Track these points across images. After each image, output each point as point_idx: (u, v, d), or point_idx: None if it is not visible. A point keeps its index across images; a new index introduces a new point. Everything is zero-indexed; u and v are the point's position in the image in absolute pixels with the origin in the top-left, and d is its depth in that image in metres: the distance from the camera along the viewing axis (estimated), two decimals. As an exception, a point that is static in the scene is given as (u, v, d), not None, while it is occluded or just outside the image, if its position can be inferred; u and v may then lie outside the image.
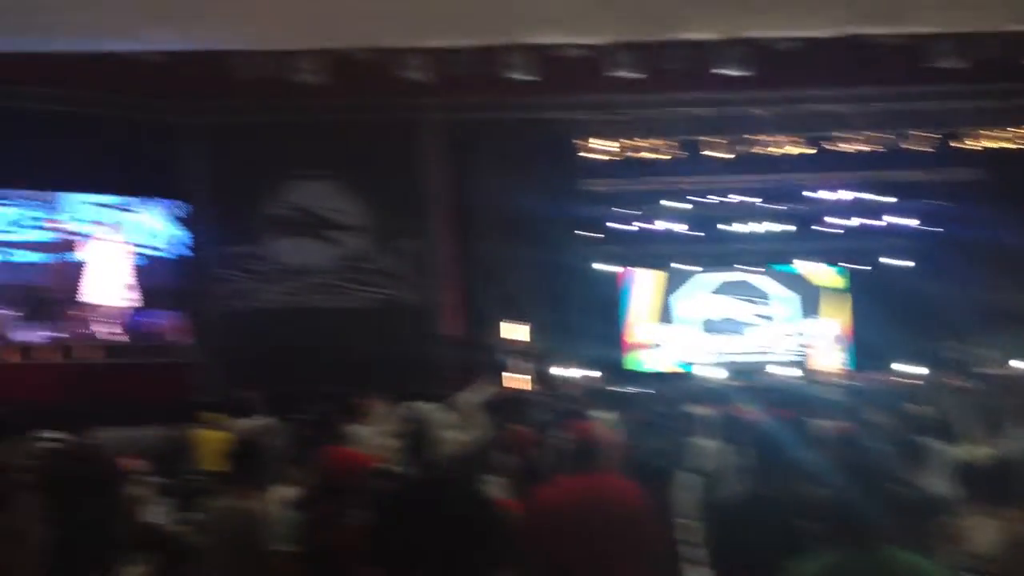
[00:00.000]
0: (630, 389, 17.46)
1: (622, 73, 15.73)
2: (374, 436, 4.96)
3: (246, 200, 19.36)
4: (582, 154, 20.17)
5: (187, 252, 19.52)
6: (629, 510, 4.29)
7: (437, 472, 3.89)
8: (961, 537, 5.19)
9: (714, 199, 24.02)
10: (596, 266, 25.92)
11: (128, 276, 18.79)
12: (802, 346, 22.89)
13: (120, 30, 13.77)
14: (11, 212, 18.08)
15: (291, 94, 17.43)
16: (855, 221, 24.55)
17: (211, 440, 12.17)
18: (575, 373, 21.88)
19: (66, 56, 15.09)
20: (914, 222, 24.40)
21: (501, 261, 20.98)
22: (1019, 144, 18.80)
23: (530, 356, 20.62)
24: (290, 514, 6.83)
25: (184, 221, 19.51)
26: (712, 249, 26.06)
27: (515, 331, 20.65)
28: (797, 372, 23.90)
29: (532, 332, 21.36)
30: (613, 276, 26.39)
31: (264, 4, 13.38)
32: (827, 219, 24.82)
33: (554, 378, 20.50)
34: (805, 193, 23.75)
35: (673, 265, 26.39)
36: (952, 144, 19.61)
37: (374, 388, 13.69)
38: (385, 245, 19.59)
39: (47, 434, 7.53)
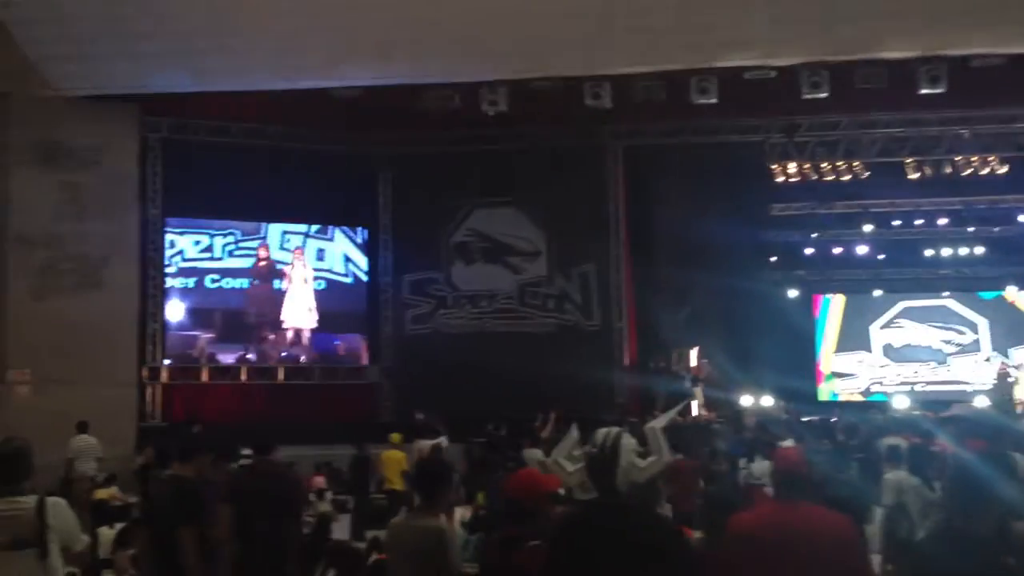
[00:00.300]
0: (819, 418, 16.80)
1: (813, 94, 15.28)
2: (559, 460, 4.88)
3: (430, 227, 19.86)
4: (772, 178, 19.62)
5: (372, 278, 20.20)
6: (840, 543, 4.07)
7: (620, 497, 3.75)
8: None
9: (911, 222, 22.88)
10: (786, 292, 25.12)
11: (316, 301, 19.63)
12: (1004, 376, 21.37)
13: (318, 68, 14.53)
14: (220, 240, 19.28)
15: (476, 124, 17.90)
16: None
17: (393, 460, 12.47)
18: (763, 401, 21.22)
19: (267, 94, 16.05)
20: None
21: (682, 286, 20.64)
22: None
23: (711, 383, 20.14)
24: (467, 534, 6.85)
25: (370, 248, 20.21)
26: (908, 274, 24.79)
27: (695, 358, 20.22)
28: (998, 403, 22.28)
29: (714, 359, 20.88)
30: (804, 302, 25.48)
31: (451, 39, 13.81)
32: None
33: (737, 407, 19.93)
34: (1017, 216, 22.28)
35: (872, 292, 25.25)
36: None
37: (551, 412, 13.76)
38: (564, 270, 19.65)
39: (242, 452, 7.85)
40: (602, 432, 3.85)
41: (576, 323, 19.52)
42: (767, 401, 21.16)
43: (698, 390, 19.39)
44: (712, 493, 7.21)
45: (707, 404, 19.57)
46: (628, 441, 3.82)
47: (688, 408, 18.17)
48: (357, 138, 19.59)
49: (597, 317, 19.47)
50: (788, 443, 10.50)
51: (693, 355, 20.23)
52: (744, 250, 22.36)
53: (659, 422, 5.04)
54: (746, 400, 20.72)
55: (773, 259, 24.45)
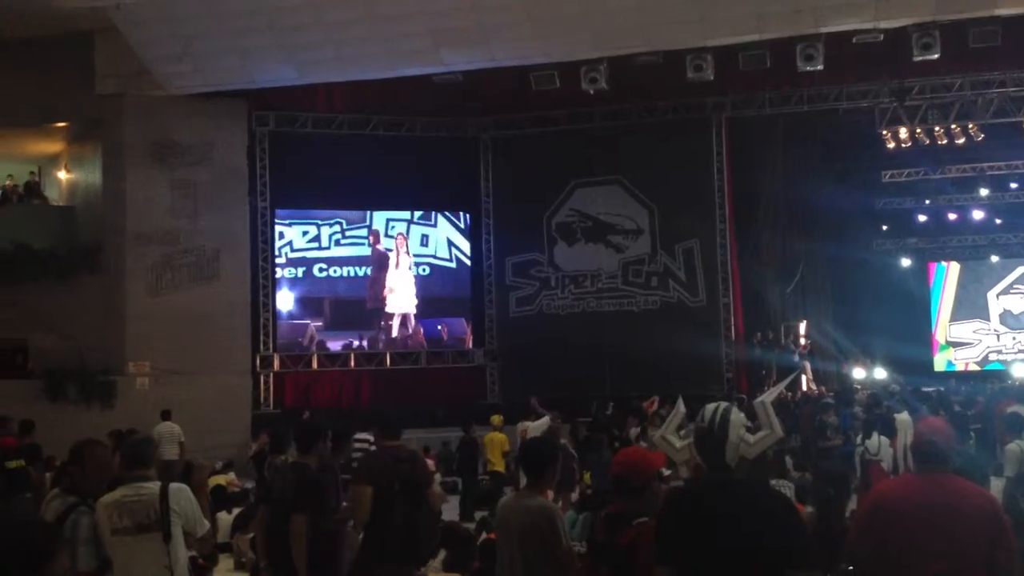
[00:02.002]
0: (932, 389, 16.30)
1: (924, 56, 14.72)
2: (667, 436, 4.82)
3: (532, 209, 19.86)
4: (883, 144, 19.01)
5: (475, 262, 20.33)
6: (984, 515, 3.96)
7: (730, 473, 3.68)
8: None
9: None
10: (899, 260, 24.41)
11: (420, 286, 19.85)
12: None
13: (420, 55, 14.65)
14: (326, 230, 19.64)
15: (577, 103, 17.79)
16: None
17: (495, 442, 12.55)
18: (875, 374, 20.67)
19: (371, 83, 16.28)
20: None
21: (790, 258, 20.21)
22: None
23: (820, 356, 19.71)
24: (574, 513, 6.84)
25: (472, 232, 20.33)
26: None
27: (803, 330, 19.79)
28: None
29: (823, 331, 20.42)
30: (918, 270, 24.72)
31: (550, 19, 13.74)
32: None
33: (847, 379, 19.46)
34: None
35: (992, 258, 24.33)
36: None
37: (655, 390, 13.64)
38: (668, 247, 19.43)
39: (357, 436, 7.96)
40: (710, 407, 3.78)
41: (680, 300, 19.30)
42: (879, 374, 20.64)
43: (807, 363, 19.01)
44: (824, 468, 7.05)
45: (816, 378, 19.16)
46: (737, 416, 3.75)
47: (798, 382, 17.83)
48: (458, 124, 19.76)
49: (702, 293, 19.21)
50: (904, 416, 10.26)
51: (802, 328, 19.83)
52: (854, 219, 21.81)
53: (768, 396, 4.92)
54: (858, 373, 20.23)
55: (885, 227, 23.81)
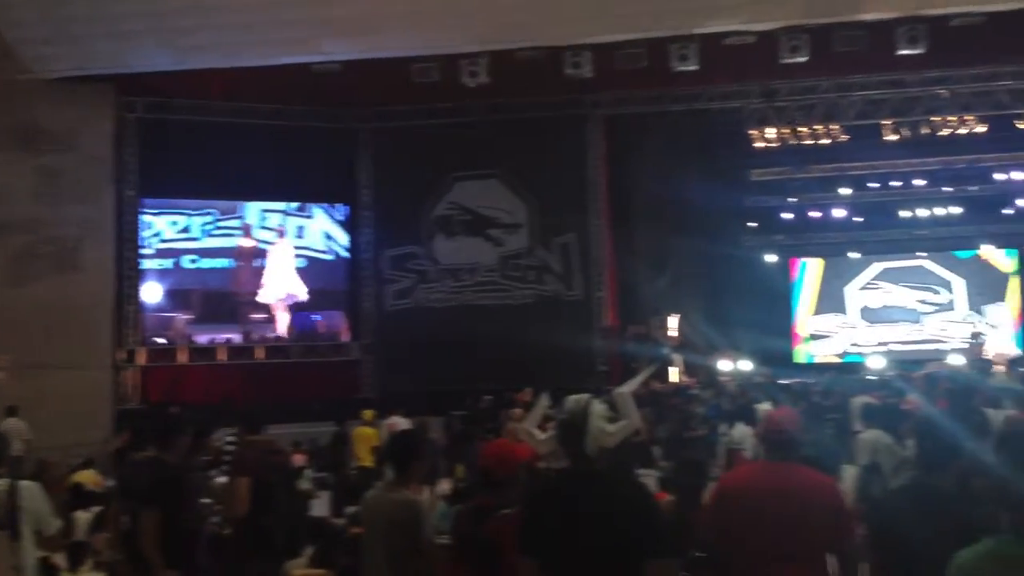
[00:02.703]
0: (794, 381, 16.94)
1: (792, 59, 15.23)
2: (529, 429, 4.89)
3: (412, 202, 19.77)
4: (751, 143, 19.61)
5: (352, 254, 20.12)
6: (827, 503, 4.13)
7: (591, 464, 3.75)
8: None
9: (889, 184, 22.99)
10: (765, 256, 25.23)
11: (296, 278, 19.55)
12: (978, 333, 21.55)
13: (299, 43, 14.41)
14: (197, 220, 19.18)
15: (456, 97, 17.77)
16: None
17: (364, 437, 12.45)
18: (741, 366, 21.31)
19: (247, 71, 15.92)
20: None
21: (662, 254, 20.68)
22: None
23: (690, 348, 20.22)
24: (446, 506, 6.86)
25: (350, 224, 20.12)
26: (885, 235, 24.92)
27: (674, 323, 20.26)
28: (972, 360, 22.35)
29: (693, 324, 20.94)
30: (782, 266, 25.61)
31: (431, 11, 13.70)
32: (1010, 201, 23.37)
33: (715, 371, 20.03)
34: (993, 175, 22.40)
35: (847, 255, 25.40)
36: None
37: (531, 383, 13.76)
38: (545, 241, 19.63)
39: (225, 432, 7.81)
40: (572, 399, 3.84)
41: (556, 293, 19.52)
42: (745, 366, 21.30)
43: (677, 356, 19.48)
44: (684, 457, 7.26)
45: (687, 370, 19.65)
46: (597, 407, 3.82)
47: (666, 374, 18.25)
48: (336, 114, 19.47)
49: (578, 287, 19.48)
50: (765, 406, 10.65)
51: (673, 321, 20.29)
52: (723, 216, 22.40)
53: (627, 387, 5.04)
54: (725, 365, 20.82)
55: (752, 224, 24.54)
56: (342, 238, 20.16)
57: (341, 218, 20.21)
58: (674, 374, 19.01)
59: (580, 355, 18.19)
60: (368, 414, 12.83)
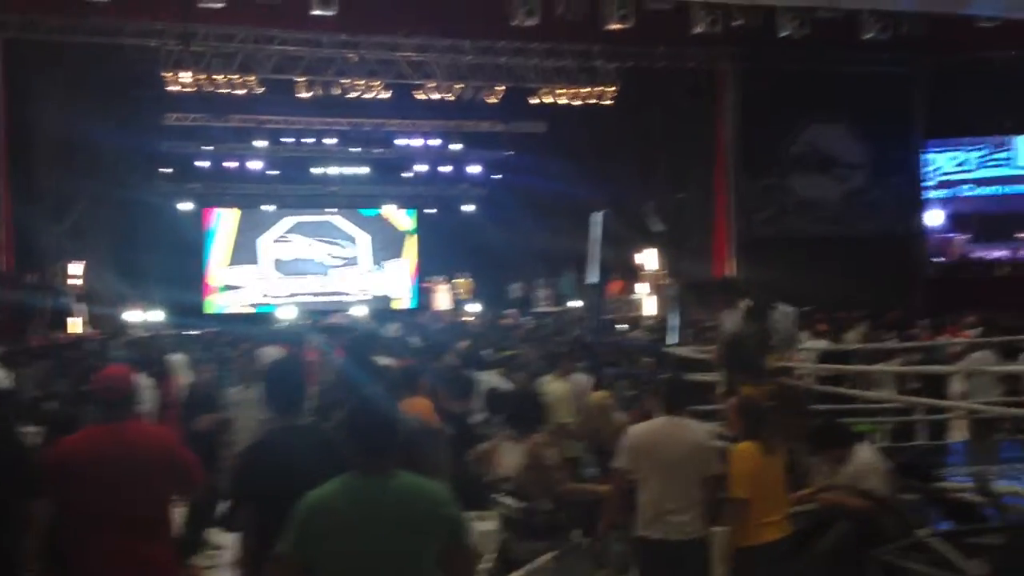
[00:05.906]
0: (200, 331, 17.09)
1: (209, 4, 15.03)
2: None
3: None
4: (166, 86, 18.99)
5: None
6: (160, 454, 4.31)
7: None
8: (491, 460, 5.73)
9: (302, 140, 23.97)
10: (179, 205, 24.84)
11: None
12: (380, 288, 23.63)
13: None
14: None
15: None
16: (435, 167, 25.73)
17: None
18: (151, 316, 20.83)
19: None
20: (480, 169, 26.10)
21: (66, 196, 19.19)
22: (578, 101, 20.38)
23: (95, 298, 19.29)
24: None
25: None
26: (298, 190, 26.01)
27: (78, 271, 19.08)
28: (375, 311, 24.28)
29: (100, 273, 19.94)
30: (195, 215, 25.42)
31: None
32: (410, 164, 25.80)
33: (123, 322, 19.37)
34: (395, 140, 24.47)
35: (262, 207, 26.00)
36: (531, 100, 20.83)
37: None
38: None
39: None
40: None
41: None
42: (156, 317, 20.91)
43: (80, 306, 18.45)
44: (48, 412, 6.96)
45: (92, 320, 18.72)
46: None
47: (66, 324, 17.25)
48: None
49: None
50: (177, 356, 10.62)
51: (76, 268, 19.09)
52: (136, 160, 21.52)
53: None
54: (134, 316, 20.21)
55: (167, 171, 23.98)
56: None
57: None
58: (77, 325, 18.01)
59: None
60: None
